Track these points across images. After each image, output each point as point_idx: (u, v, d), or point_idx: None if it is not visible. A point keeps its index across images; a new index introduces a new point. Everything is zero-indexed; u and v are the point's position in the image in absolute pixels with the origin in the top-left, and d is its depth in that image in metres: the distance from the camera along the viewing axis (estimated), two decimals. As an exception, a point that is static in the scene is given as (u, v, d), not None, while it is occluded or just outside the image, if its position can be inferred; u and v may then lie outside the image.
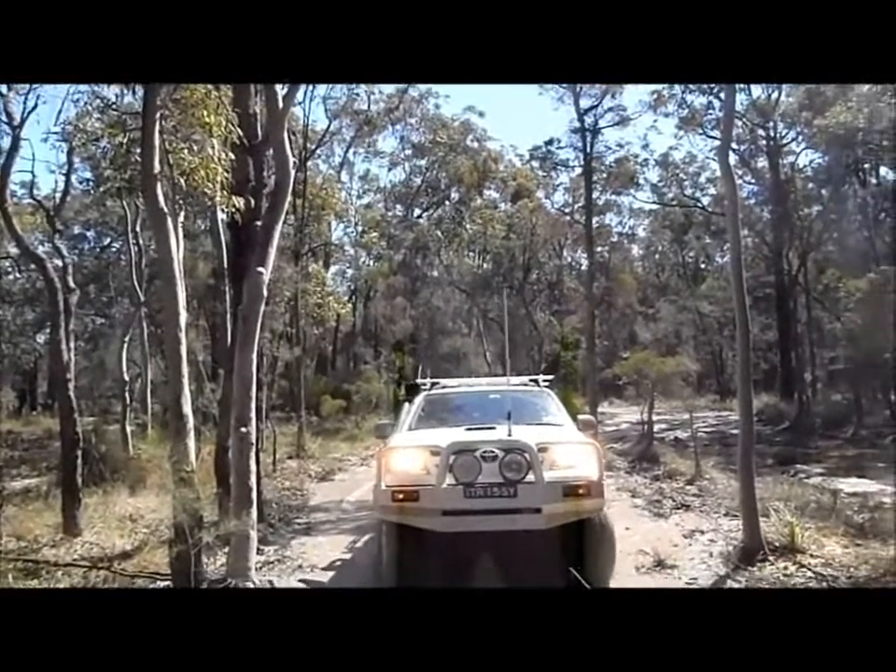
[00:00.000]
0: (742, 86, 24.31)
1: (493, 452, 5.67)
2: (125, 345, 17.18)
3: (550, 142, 31.78)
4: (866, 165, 23.25)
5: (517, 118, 57.50)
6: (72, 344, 8.97)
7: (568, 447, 6.12)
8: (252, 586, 5.64)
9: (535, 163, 33.50)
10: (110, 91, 7.31)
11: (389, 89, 27.33)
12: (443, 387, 8.39)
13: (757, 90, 26.21)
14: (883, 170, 23.11)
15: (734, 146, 23.61)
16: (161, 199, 5.99)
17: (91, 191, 19.16)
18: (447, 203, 33.68)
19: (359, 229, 33.03)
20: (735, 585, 6.00)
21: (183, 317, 6.08)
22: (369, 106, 26.30)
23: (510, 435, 5.82)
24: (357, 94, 25.11)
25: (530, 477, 5.60)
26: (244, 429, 5.71)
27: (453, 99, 32.00)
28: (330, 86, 23.47)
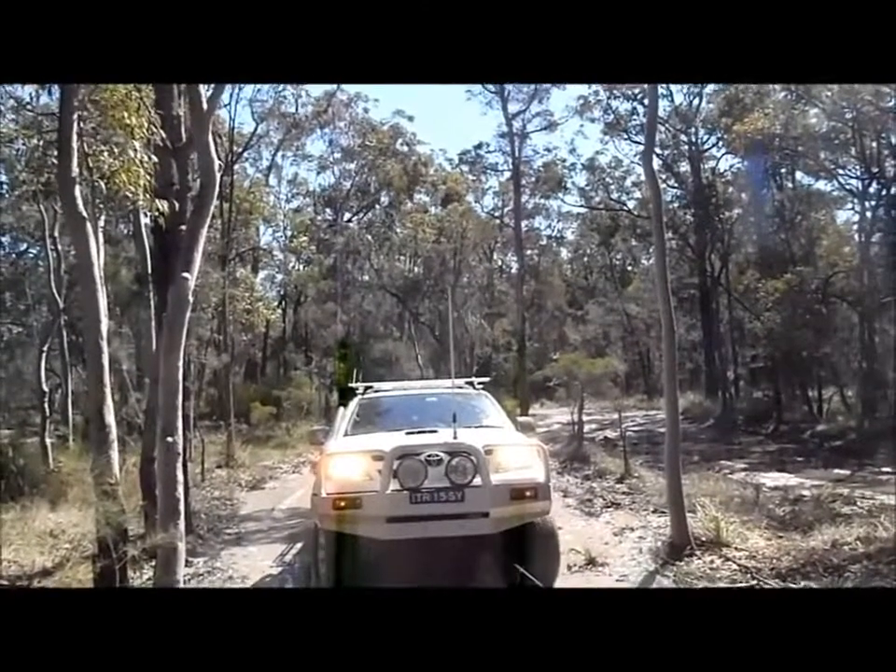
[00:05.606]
0: (664, 92, 25.05)
1: (438, 455, 5.52)
2: (44, 355, 16.53)
3: (479, 146, 32.36)
4: (783, 170, 24.09)
5: (446, 122, 57.76)
6: (-14, 354, 8.61)
7: (514, 449, 6.02)
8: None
9: (464, 167, 33.98)
10: (25, 91, 7.05)
11: (317, 91, 27.05)
12: (377, 391, 8.23)
13: (679, 96, 27.04)
14: (798, 174, 23.97)
15: (657, 150, 24.23)
16: (79, 202, 5.79)
17: (6, 195, 18.39)
18: (377, 206, 33.53)
19: (288, 233, 32.50)
20: (666, 581, 6.11)
21: (105, 325, 5.90)
22: (297, 109, 26.05)
23: (455, 438, 5.67)
24: (285, 97, 24.83)
25: (477, 481, 5.47)
26: (170, 439, 5.53)
27: (382, 103, 31.67)
28: (257, 88, 23.13)
